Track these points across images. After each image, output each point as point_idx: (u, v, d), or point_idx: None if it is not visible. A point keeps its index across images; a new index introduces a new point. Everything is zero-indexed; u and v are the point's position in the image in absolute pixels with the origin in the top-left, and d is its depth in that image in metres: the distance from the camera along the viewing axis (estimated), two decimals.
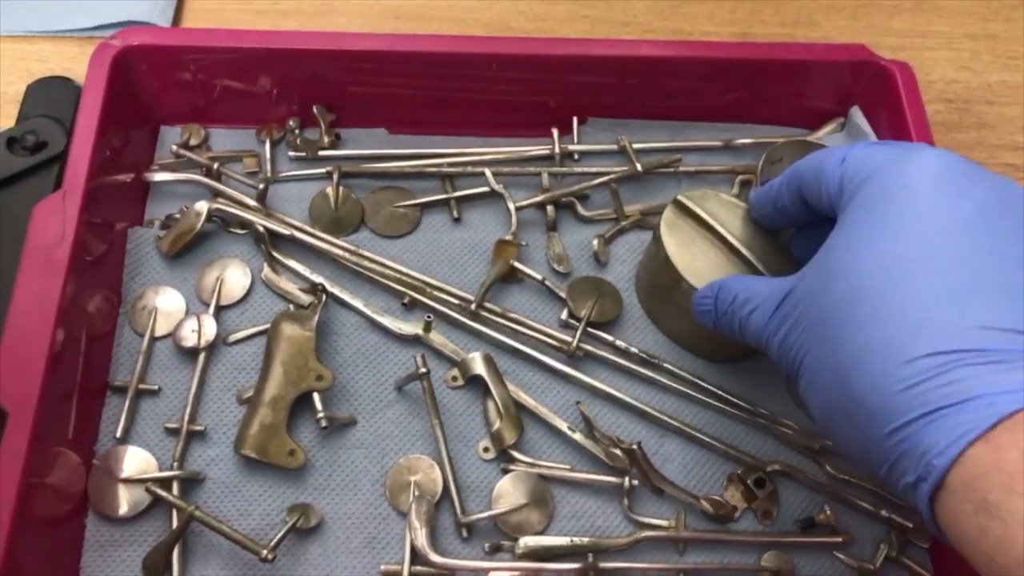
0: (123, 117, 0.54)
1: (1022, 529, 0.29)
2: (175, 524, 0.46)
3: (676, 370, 0.53)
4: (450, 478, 0.48)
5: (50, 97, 0.58)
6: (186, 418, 0.49)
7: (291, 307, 0.52)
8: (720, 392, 0.52)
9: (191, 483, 0.48)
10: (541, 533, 0.48)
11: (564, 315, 0.54)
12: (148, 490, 0.47)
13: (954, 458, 0.31)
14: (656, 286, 0.52)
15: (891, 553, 0.49)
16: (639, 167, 0.57)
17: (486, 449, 0.50)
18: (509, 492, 0.49)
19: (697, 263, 0.49)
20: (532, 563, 0.47)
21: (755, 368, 0.53)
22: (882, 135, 0.57)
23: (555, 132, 0.59)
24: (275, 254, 0.54)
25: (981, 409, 0.31)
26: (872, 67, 0.57)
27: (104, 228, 0.52)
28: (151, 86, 0.56)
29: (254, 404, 0.49)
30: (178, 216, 0.54)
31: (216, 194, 0.55)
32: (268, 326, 0.51)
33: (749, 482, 0.50)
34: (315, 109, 0.58)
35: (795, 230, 0.49)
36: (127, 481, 0.47)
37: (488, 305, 0.53)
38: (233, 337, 0.52)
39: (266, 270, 0.53)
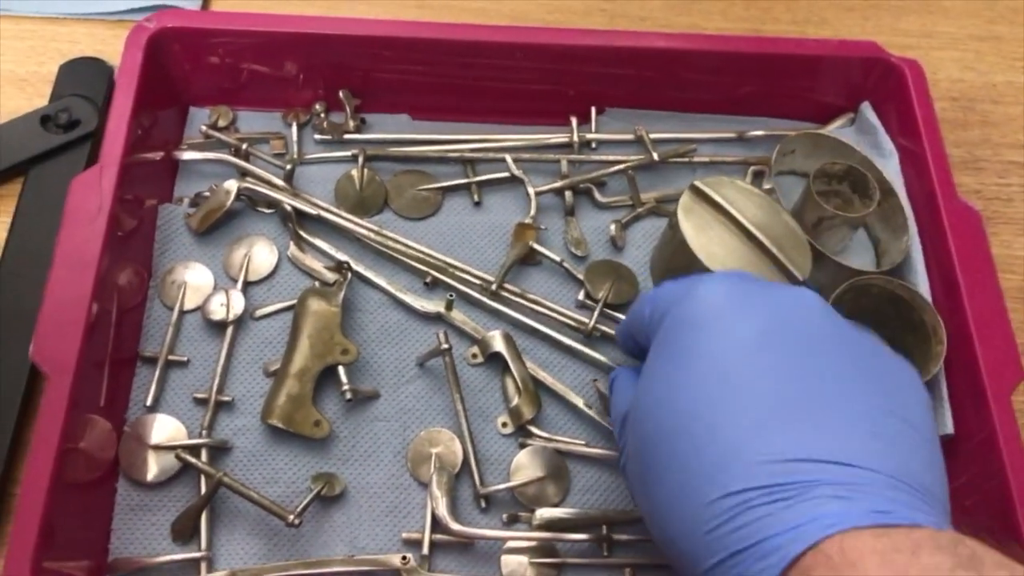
0: (155, 97, 0.55)
1: None
2: (203, 490, 0.47)
3: None
4: (470, 451, 0.50)
5: (82, 77, 0.60)
6: (214, 388, 0.50)
7: (316, 284, 0.54)
8: None
9: (219, 451, 0.49)
10: (557, 505, 0.50)
11: (581, 296, 0.55)
12: (178, 456, 0.48)
13: None
14: (671, 269, 0.54)
15: None
16: (655, 156, 0.59)
17: (504, 424, 0.51)
18: (526, 465, 0.50)
19: (712, 247, 0.51)
20: (548, 534, 0.48)
21: None
22: (891, 130, 0.59)
23: (574, 121, 0.61)
24: (301, 233, 0.55)
25: (771, 553, 0.31)
26: (883, 64, 0.59)
27: (136, 204, 0.53)
28: (182, 67, 0.57)
29: (281, 376, 0.50)
30: (207, 194, 0.56)
31: (244, 174, 0.56)
32: (294, 302, 0.52)
33: None
34: (341, 94, 0.59)
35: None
36: (157, 448, 0.49)
37: (508, 285, 0.55)
38: (260, 312, 0.53)
39: (292, 248, 0.55)
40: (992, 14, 0.71)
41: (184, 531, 0.47)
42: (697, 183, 0.53)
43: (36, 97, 0.60)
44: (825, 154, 0.58)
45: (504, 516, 0.49)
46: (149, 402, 0.50)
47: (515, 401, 0.51)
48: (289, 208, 0.55)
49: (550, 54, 0.58)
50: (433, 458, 0.50)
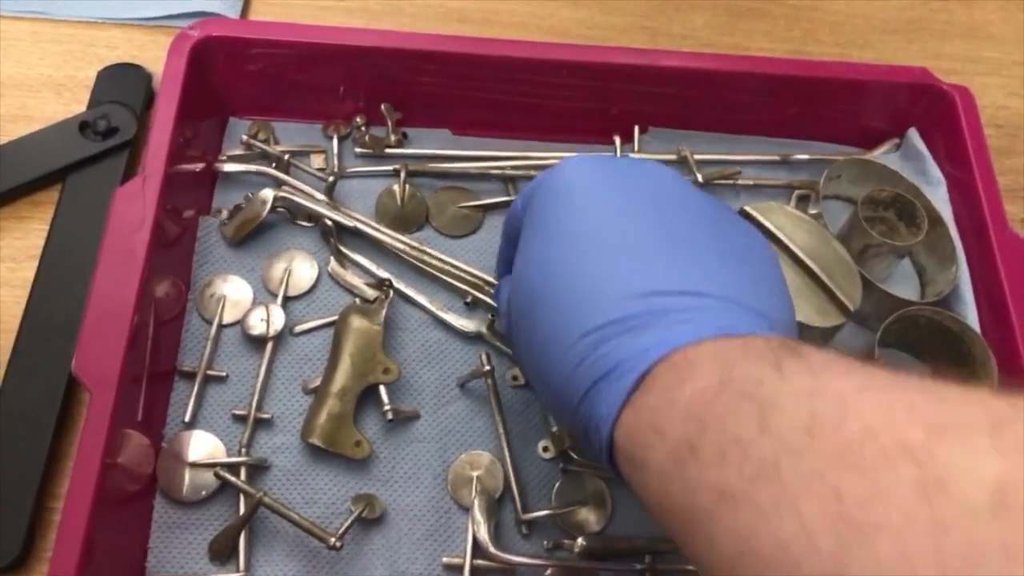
0: (197, 107, 0.54)
1: (655, 476, 0.32)
2: (242, 509, 0.47)
3: None
4: (511, 475, 0.49)
5: (120, 83, 0.59)
6: (253, 405, 0.49)
7: (357, 300, 0.53)
8: None
9: (257, 469, 0.48)
10: (599, 533, 0.49)
11: None
12: (216, 475, 0.47)
13: (611, 427, 0.34)
14: None
15: None
16: (699, 177, 0.58)
17: (546, 449, 0.51)
18: (568, 491, 0.50)
19: None
20: (591, 562, 0.47)
21: None
22: (939, 158, 0.58)
23: (617, 140, 0.60)
24: (342, 248, 0.55)
25: (621, 377, 0.34)
26: (933, 90, 0.58)
27: (176, 215, 0.53)
28: (225, 77, 0.57)
29: (322, 394, 0.49)
30: (243, 204, 0.55)
31: (277, 183, 0.55)
32: (335, 318, 0.52)
33: None
34: (383, 108, 0.58)
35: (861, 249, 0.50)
36: (195, 465, 0.48)
37: None
38: (300, 328, 0.52)
39: (332, 263, 0.54)
40: None
41: (222, 551, 0.46)
42: (747, 208, 0.52)
43: (74, 103, 0.59)
44: (872, 180, 0.58)
45: (546, 542, 0.48)
46: (187, 418, 0.49)
47: (556, 426, 0.50)
48: (330, 223, 0.54)
49: (594, 72, 0.58)
50: (474, 481, 0.49)
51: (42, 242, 0.54)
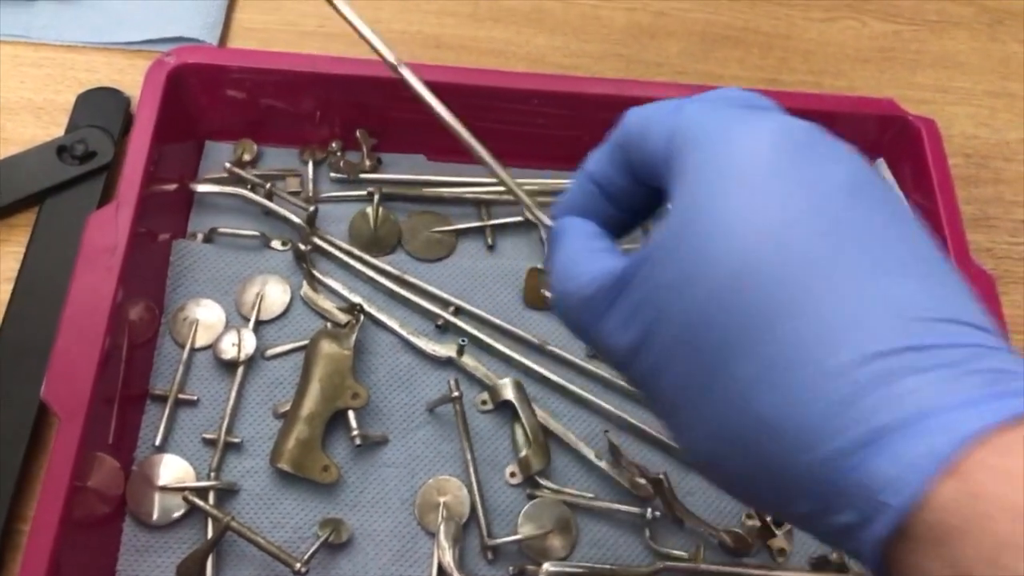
0: (173, 132, 0.55)
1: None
2: (210, 533, 0.47)
3: None
4: (478, 501, 0.50)
5: (99, 108, 0.60)
6: (223, 429, 0.50)
7: (329, 325, 0.54)
8: None
9: (226, 493, 0.49)
10: (564, 559, 0.49)
11: None
12: (185, 499, 0.48)
13: (916, 496, 0.23)
14: None
15: None
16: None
17: (513, 474, 0.51)
18: (534, 518, 0.50)
19: None
20: None
21: None
22: (906, 188, 0.59)
23: None
24: (315, 272, 0.55)
25: (941, 431, 0.23)
26: (899, 122, 0.59)
27: (150, 239, 0.53)
28: (200, 102, 0.57)
29: (291, 419, 0.50)
30: (223, 230, 0.56)
31: (266, 212, 0.56)
32: (306, 342, 0.52)
33: (767, 519, 0.51)
34: (358, 133, 0.59)
35: None
36: (165, 489, 0.48)
37: (519, 331, 0.55)
38: (271, 352, 0.53)
39: (305, 287, 0.55)
40: (1007, 71, 0.71)
41: (190, 574, 0.47)
42: None
43: (52, 126, 0.60)
44: None
45: (511, 568, 0.49)
46: (158, 442, 0.49)
47: (524, 452, 0.51)
48: (302, 246, 0.55)
49: (567, 101, 0.59)
50: (441, 507, 0.50)
51: (17, 265, 0.54)
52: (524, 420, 0.51)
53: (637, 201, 0.35)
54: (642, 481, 0.50)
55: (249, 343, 0.52)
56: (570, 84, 0.60)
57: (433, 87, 0.57)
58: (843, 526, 0.25)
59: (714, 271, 0.27)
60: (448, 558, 0.47)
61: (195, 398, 0.51)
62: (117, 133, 0.59)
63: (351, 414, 0.50)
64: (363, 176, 0.59)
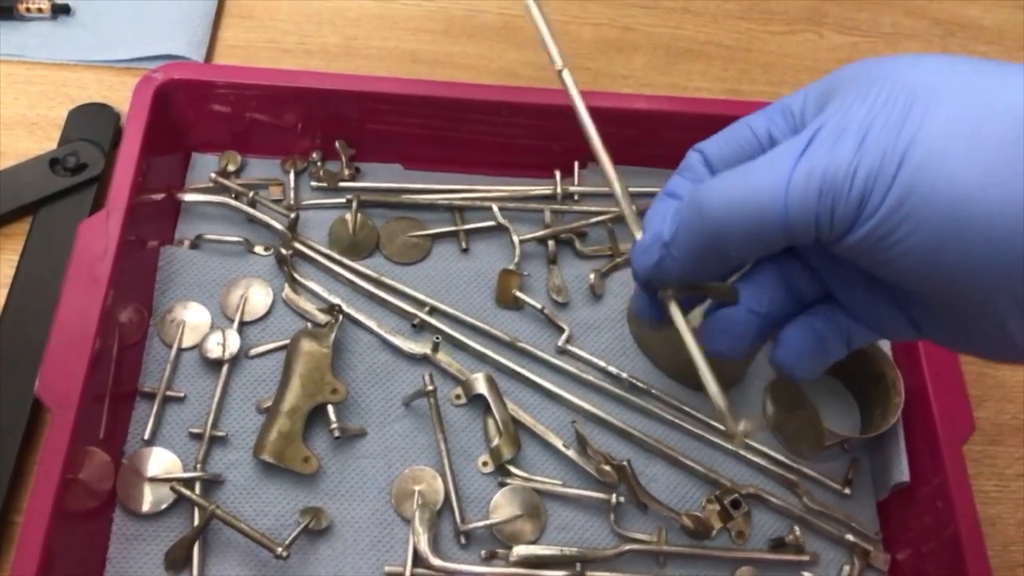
0: (161, 144, 0.58)
1: None
2: (197, 521, 0.50)
3: (664, 397, 0.57)
4: (451, 489, 0.52)
5: (90, 122, 0.63)
6: (209, 424, 0.53)
7: (309, 325, 0.57)
8: (703, 419, 0.57)
9: (212, 484, 0.52)
10: (533, 543, 0.52)
11: (561, 342, 0.58)
12: (173, 489, 0.50)
13: None
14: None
15: (852, 574, 0.53)
16: (634, 209, 0.62)
17: (485, 463, 0.54)
18: (505, 504, 0.53)
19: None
20: (525, 570, 0.50)
21: (738, 398, 0.58)
22: None
23: (557, 174, 0.64)
24: (296, 275, 0.58)
25: None
26: None
27: (139, 245, 0.56)
28: (187, 116, 0.60)
29: (273, 413, 0.53)
30: (209, 237, 0.59)
31: (250, 219, 0.59)
32: (288, 342, 0.55)
33: (726, 503, 0.54)
34: (337, 144, 0.62)
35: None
36: (153, 480, 0.51)
37: (491, 329, 0.58)
38: (255, 351, 0.56)
39: (287, 290, 0.58)
40: None
41: (177, 561, 0.49)
42: None
43: (45, 140, 0.63)
44: None
45: (483, 552, 0.51)
46: (147, 436, 0.52)
47: (496, 441, 0.54)
48: (284, 251, 0.58)
49: (536, 112, 0.62)
50: (416, 495, 0.52)
51: (12, 271, 0.57)
52: (495, 412, 0.54)
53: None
54: (607, 468, 0.53)
55: (233, 343, 0.55)
56: (539, 96, 0.63)
57: (409, 99, 0.61)
58: None
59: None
60: (423, 543, 0.50)
61: (182, 395, 0.54)
62: (107, 146, 0.62)
63: (330, 408, 0.53)
64: (342, 184, 0.62)
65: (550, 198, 0.64)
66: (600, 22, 0.74)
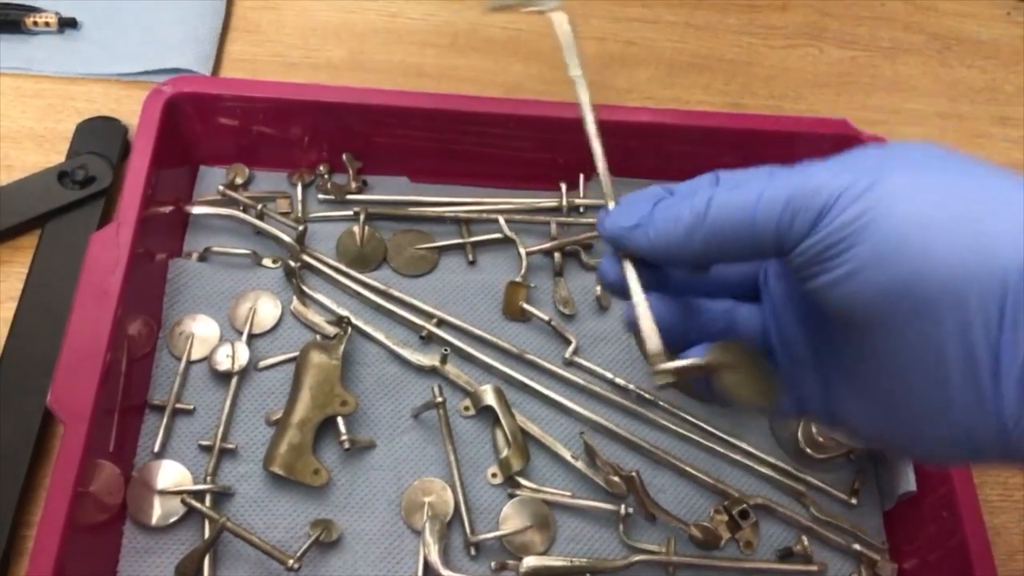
0: (169, 157, 0.58)
1: None
2: (207, 534, 0.50)
3: (671, 408, 0.57)
4: (461, 500, 0.53)
5: (98, 135, 0.63)
6: (219, 436, 0.53)
7: (318, 337, 0.57)
8: (711, 430, 0.57)
9: (222, 496, 0.52)
10: (543, 554, 0.52)
11: (568, 353, 0.58)
12: (183, 501, 0.50)
13: None
14: None
15: None
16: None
17: (494, 475, 0.54)
18: (514, 515, 0.53)
19: None
20: None
21: (744, 409, 0.58)
22: None
23: (563, 187, 0.64)
24: (304, 288, 0.58)
25: None
26: (852, 140, 0.63)
27: (149, 258, 0.56)
28: (195, 129, 0.61)
29: (283, 425, 0.53)
30: (217, 249, 0.59)
31: (257, 231, 0.59)
32: (297, 354, 0.55)
33: (734, 513, 0.54)
34: (344, 157, 0.63)
35: None
36: (163, 493, 0.51)
37: (498, 341, 0.58)
38: (264, 363, 0.56)
39: (295, 302, 0.58)
40: (955, 93, 0.76)
41: (188, 573, 0.49)
42: None
43: (53, 153, 0.63)
44: None
45: (493, 564, 0.51)
46: (156, 448, 0.52)
47: (505, 453, 0.54)
48: (292, 263, 0.58)
49: (542, 125, 0.62)
50: (426, 506, 0.53)
51: (21, 284, 0.57)
52: (504, 424, 0.54)
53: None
54: (616, 479, 0.53)
55: (242, 355, 0.55)
56: (544, 109, 0.63)
57: (415, 112, 0.61)
58: None
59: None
60: (433, 554, 0.50)
61: (192, 407, 0.54)
62: (115, 159, 0.62)
63: (340, 420, 0.53)
64: (349, 197, 0.62)
65: (556, 210, 0.64)
66: (603, 36, 0.75)
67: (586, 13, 0.76)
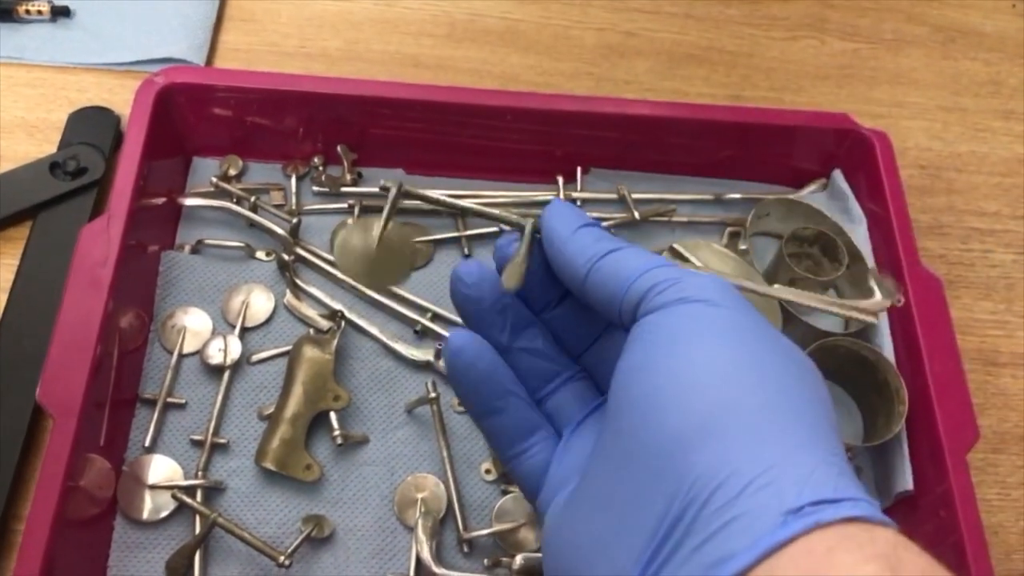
0: (161, 148, 0.58)
1: None
2: (198, 529, 0.49)
3: None
4: (454, 496, 0.52)
5: (90, 126, 0.62)
6: (210, 431, 0.52)
7: (311, 331, 0.56)
8: None
9: (213, 491, 0.51)
10: (536, 551, 0.52)
11: None
12: (174, 496, 0.50)
13: None
14: None
15: None
16: (636, 215, 0.62)
17: (488, 471, 0.54)
18: (508, 511, 0.53)
19: None
20: None
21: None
22: (861, 197, 0.62)
23: (560, 180, 0.64)
24: (298, 281, 0.58)
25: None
26: (854, 135, 0.62)
27: (140, 250, 0.56)
28: (188, 120, 0.60)
29: (275, 420, 0.52)
30: (210, 242, 0.58)
31: (251, 224, 0.59)
32: (290, 348, 0.55)
33: None
34: (339, 149, 0.62)
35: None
36: (154, 487, 0.51)
37: None
38: (256, 357, 0.55)
39: (288, 296, 0.57)
40: (958, 86, 0.75)
41: (178, 569, 0.49)
42: (676, 245, 0.56)
43: (45, 144, 0.62)
44: (798, 218, 0.62)
45: (486, 560, 0.51)
46: (147, 443, 0.52)
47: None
48: (286, 256, 0.58)
49: (539, 117, 0.62)
50: (419, 502, 0.52)
51: (12, 276, 0.56)
52: None
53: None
54: None
55: (235, 349, 0.55)
56: (542, 101, 0.63)
57: (411, 104, 0.61)
58: None
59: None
60: (426, 551, 0.49)
61: (183, 401, 0.53)
62: (107, 150, 0.61)
63: (333, 415, 0.53)
64: (344, 189, 0.62)
65: None
66: (603, 27, 0.74)
67: (586, 3, 0.75)
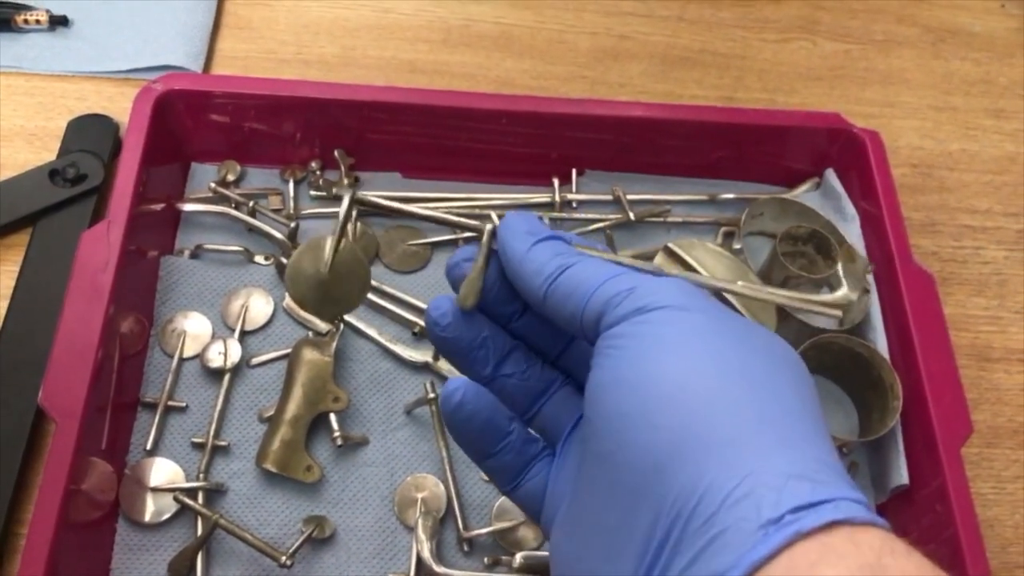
0: (160, 154, 0.58)
1: None
2: (200, 531, 0.50)
3: None
4: (454, 496, 0.53)
5: (89, 133, 0.63)
6: (211, 433, 0.53)
7: (310, 334, 0.57)
8: None
9: (215, 493, 0.52)
10: (536, 549, 0.52)
11: None
12: (176, 499, 0.50)
13: None
14: None
15: None
16: (631, 216, 0.62)
17: None
18: (507, 510, 0.53)
19: None
20: None
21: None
22: (853, 196, 0.63)
23: (555, 182, 0.64)
24: None
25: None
26: (846, 134, 0.63)
27: (140, 256, 0.56)
28: (186, 126, 0.61)
29: (275, 422, 0.53)
30: (209, 247, 0.59)
31: (250, 228, 0.59)
32: (289, 351, 0.55)
33: None
34: (336, 153, 0.63)
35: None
36: (156, 490, 0.51)
37: None
38: (256, 360, 0.56)
39: (287, 299, 0.58)
40: (948, 86, 0.76)
41: (181, 571, 0.49)
42: (670, 245, 0.56)
43: (44, 151, 0.63)
44: (791, 217, 0.62)
45: (486, 559, 0.51)
46: (149, 446, 0.52)
47: None
48: (285, 260, 0.58)
49: (534, 120, 0.62)
50: (419, 502, 0.53)
51: (13, 282, 0.57)
52: None
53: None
54: None
55: (235, 352, 0.55)
56: (537, 104, 0.63)
57: (407, 108, 0.61)
58: None
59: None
60: (426, 551, 0.50)
61: (184, 405, 0.54)
62: (107, 157, 0.62)
63: (332, 417, 0.53)
64: (341, 193, 0.62)
65: (548, 206, 0.64)
66: (596, 31, 0.74)
67: (579, 7, 0.75)
